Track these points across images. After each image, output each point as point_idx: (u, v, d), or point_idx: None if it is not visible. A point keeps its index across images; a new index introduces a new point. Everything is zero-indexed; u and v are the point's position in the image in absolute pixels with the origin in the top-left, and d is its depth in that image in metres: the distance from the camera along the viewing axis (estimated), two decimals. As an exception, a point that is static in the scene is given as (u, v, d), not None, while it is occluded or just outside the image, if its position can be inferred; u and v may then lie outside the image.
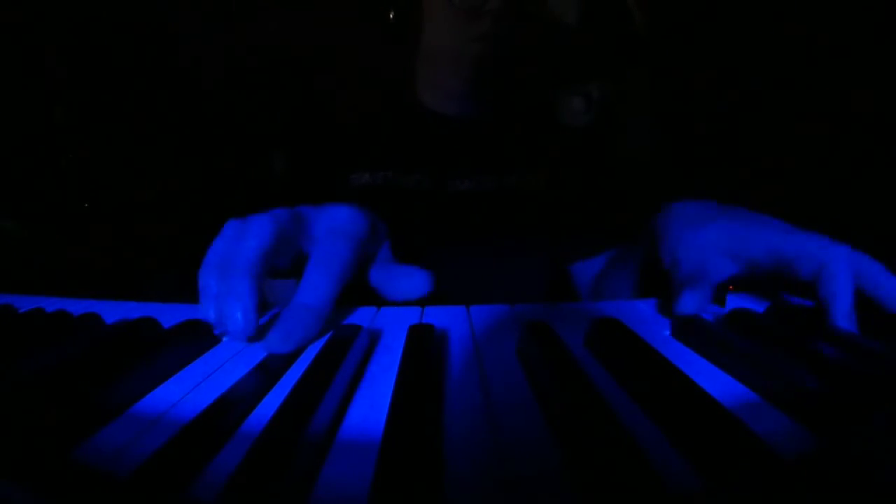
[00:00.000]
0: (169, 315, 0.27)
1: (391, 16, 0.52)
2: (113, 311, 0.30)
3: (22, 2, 0.62)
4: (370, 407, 0.18)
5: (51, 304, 0.31)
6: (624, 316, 0.25)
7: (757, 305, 0.30)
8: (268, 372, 0.21)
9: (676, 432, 0.15)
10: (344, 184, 0.53)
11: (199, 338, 0.24)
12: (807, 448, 0.15)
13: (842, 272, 0.26)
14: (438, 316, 0.29)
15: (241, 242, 0.26)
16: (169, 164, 0.68)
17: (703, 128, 0.64)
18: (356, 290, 0.32)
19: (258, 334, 0.25)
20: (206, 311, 0.26)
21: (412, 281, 0.31)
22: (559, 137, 0.55)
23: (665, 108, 0.61)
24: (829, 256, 0.26)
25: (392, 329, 0.27)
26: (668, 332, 0.26)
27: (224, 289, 0.25)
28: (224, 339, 0.26)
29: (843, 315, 0.26)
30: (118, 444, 0.16)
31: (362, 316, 0.30)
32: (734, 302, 0.31)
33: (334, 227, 0.31)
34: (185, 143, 0.68)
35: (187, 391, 0.20)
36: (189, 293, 0.32)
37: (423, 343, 0.22)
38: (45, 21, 0.63)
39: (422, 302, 0.31)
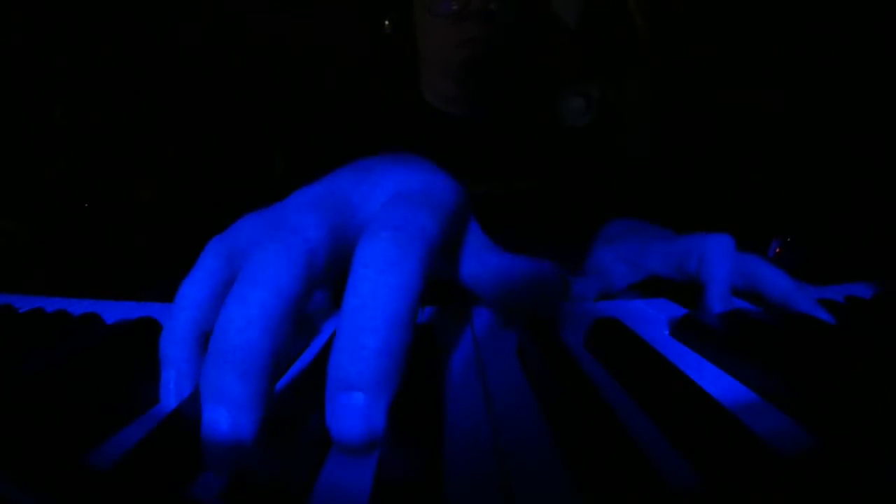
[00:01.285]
0: (169, 315, 0.27)
1: (386, 24, 0.52)
2: (113, 311, 0.30)
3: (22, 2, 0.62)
4: (370, 407, 0.18)
5: (51, 304, 0.31)
6: (624, 316, 0.25)
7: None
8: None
9: (676, 432, 0.15)
10: None
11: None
12: (807, 448, 0.15)
13: (717, 255, 0.28)
14: (438, 316, 0.29)
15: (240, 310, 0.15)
16: (169, 164, 0.68)
17: (702, 129, 0.64)
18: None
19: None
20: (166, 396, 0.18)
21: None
22: (559, 138, 0.55)
23: (665, 109, 0.61)
24: (706, 244, 0.29)
25: (392, 329, 0.27)
26: (667, 332, 0.26)
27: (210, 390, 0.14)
28: None
29: (717, 296, 0.27)
30: (120, 445, 0.16)
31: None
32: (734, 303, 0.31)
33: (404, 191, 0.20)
34: (185, 143, 0.68)
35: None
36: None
37: (423, 343, 0.22)
38: (44, 19, 0.63)
39: (422, 302, 0.31)
